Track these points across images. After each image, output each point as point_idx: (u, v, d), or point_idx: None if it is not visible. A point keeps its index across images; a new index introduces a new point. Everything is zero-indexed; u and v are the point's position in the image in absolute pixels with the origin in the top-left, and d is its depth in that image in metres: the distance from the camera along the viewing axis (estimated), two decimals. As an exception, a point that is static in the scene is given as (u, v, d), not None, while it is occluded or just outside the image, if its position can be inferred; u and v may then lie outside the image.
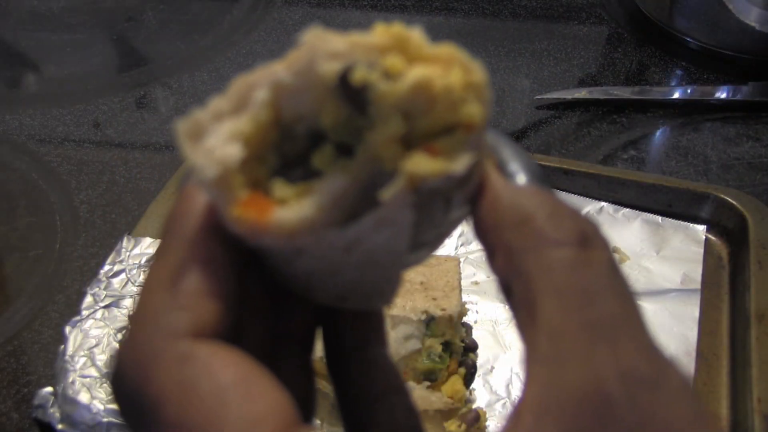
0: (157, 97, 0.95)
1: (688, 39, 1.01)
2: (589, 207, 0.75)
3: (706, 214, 0.75)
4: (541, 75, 0.98)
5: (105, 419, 0.54)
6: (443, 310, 0.57)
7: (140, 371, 0.21)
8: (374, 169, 0.22)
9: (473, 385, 0.61)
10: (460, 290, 0.60)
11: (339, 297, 0.27)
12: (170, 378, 0.21)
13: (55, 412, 0.56)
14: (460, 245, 0.73)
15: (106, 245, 0.71)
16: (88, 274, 0.68)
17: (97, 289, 0.63)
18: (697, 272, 0.70)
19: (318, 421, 0.58)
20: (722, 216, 0.74)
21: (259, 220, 0.22)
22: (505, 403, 0.60)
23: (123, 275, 0.65)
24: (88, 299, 0.63)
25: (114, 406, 0.55)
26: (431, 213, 0.24)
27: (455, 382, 0.57)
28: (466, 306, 0.63)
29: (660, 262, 0.71)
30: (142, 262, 0.66)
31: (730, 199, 0.74)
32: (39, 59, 1.05)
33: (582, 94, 0.92)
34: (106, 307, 0.62)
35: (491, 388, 0.61)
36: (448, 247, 0.73)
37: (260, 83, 0.23)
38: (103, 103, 0.93)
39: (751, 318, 0.64)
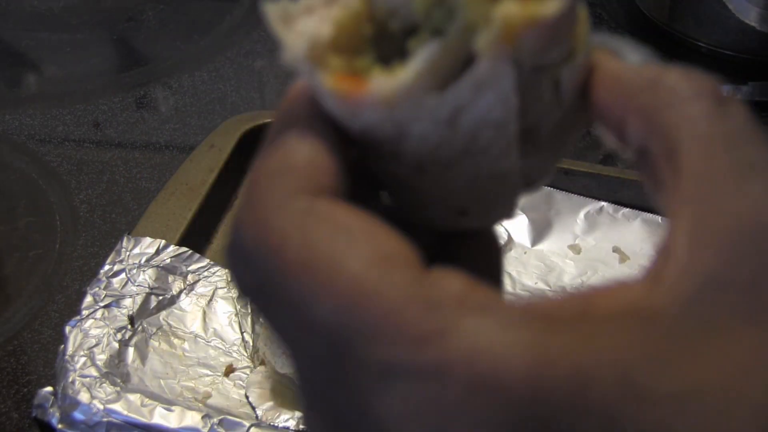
0: (157, 97, 0.95)
1: (688, 39, 1.01)
2: (589, 207, 0.75)
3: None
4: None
5: (105, 419, 0.54)
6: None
7: (260, 227, 0.20)
8: (468, 41, 0.21)
9: (473, 385, 0.61)
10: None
11: (458, 210, 0.26)
12: (293, 224, 0.20)
13: (55, 412, 0.56)
14: (460, 245, 0.73)
15: (106, 245, 0.71)
16: (88, 274, 0.68)
17: (97, 289, 0.63)
18: (697, 272, 0.70)
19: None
20: (722, 216, 0.74)
21: (356, 89, 0.21)
22: (505, 402, 0.60)
23: (123, 275, 0.65)
24: (88, 299, 0.63)
25: (112, 407, 0.55)
26: (538, 97, 0.23)
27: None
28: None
29: (660, 262, 0.71)
30: (142, 261, 0.66)
31: (730, 199, 0.74)
32: (39, 59, 1.05)
33: (582, 94, 0.92)
34: (106, 307, 0.62)
35: (491, 387, 0.61)
36: (448, 247, 0.73)
37: None
38: (103, 103, 0.93)
39: (751, 318, 0.64)
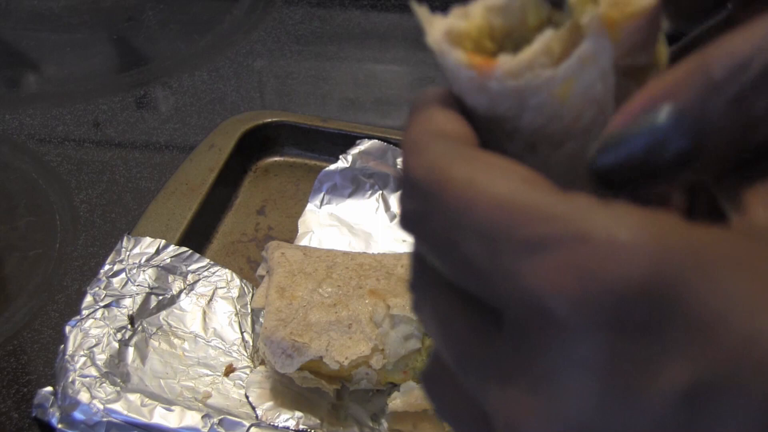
0: (157, 97, 0.96)
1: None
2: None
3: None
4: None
5: (105, 419, 0.54)
6: (443, 309, 0.57)
7: (428, 166, 0.24)
8: (576, 34, 0.25)
9: (473, 385, 0.61)
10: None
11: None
12: (455, 161, 0.24)
13: (54, 412, 0.56)
14: (460, 245, 0.73)
15: (106, 245, 0.71)
16: (88, 274, 0.68)
17: (97, 288, 0.64)
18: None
19: (318, 421, 0.58)
20: (722, 216, 0.74)
21: (486, 64, 0.26)
22: (505, 402, 0.60)
23: (123, 275, 0.65)
24: (88, 299, 0.63)
25: (112, 407, 0.55)
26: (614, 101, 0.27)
27: (455, 382, 0.57)
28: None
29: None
30: (142, 261, 0.66)
31: (730, 199, 0.74)
32: (39, 59, 1.05)
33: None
34: (106, 306, 0.62)
35: (491, 387, 0.61)
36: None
37: (475, 6, 0.28)
38: (103, 103, 0.93)
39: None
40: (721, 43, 0.24)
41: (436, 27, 0.27)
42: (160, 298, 0.64)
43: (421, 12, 0.27)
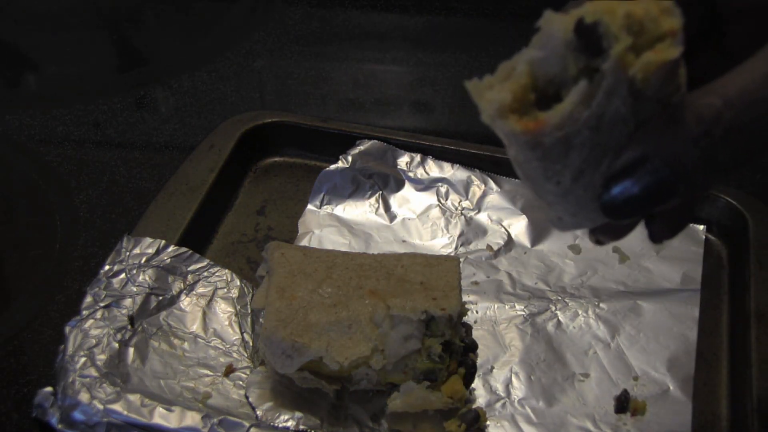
0: (157, 97, 0.95)
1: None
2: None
3: (705, 214, 0.75)
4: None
5: (105, 419, 0.54)
6: (443, 309, 0.57)
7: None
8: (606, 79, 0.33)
9: (473, 385, 0.61)
10: (460, 290, 0.60)
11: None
12: None
13: (55, 412, 0.56)
14: (460, 245, 0.73)
15: (106, 245, 0.71)
16: (88, 274, 0.68)
17: (97, 289, 0.64)
18: (697, 272, 0.70)
19: (318, 421, 0.58)
20: (722, 216, 0.74)
21: (535, 124, 0.33)
22: (504, 403, 0.60)
23: (123, 275, 0.65)
24: (88, 299, 0.63)
25: (112, 407, 0.55)
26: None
27: (455, 382, 0.57)
28: (466, 306, 0.63)
29: (660, 262, 0.71)
30: (142, 262, 0.66)
31: (729, 199, 0.74)
32: (39, 59, 1.05)
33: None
34: (106, 307, 0.62)
35: (491, 388, 0.61)
36: (448, 248, 0.73)
37: (520, 61, 0.35)
38: (103, 103, 0.93)
39: (750, 318, 0.64)
40: (696, 99, 0.32)
41: (488, 104, 0.34)
42: (160, 298, 0.64)
43: (473, 88, 0.35)
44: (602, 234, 0.41)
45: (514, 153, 0.35)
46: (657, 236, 0.41)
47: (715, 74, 0.36)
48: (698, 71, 0.38)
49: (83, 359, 0.58)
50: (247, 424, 0.55)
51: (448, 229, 0.75)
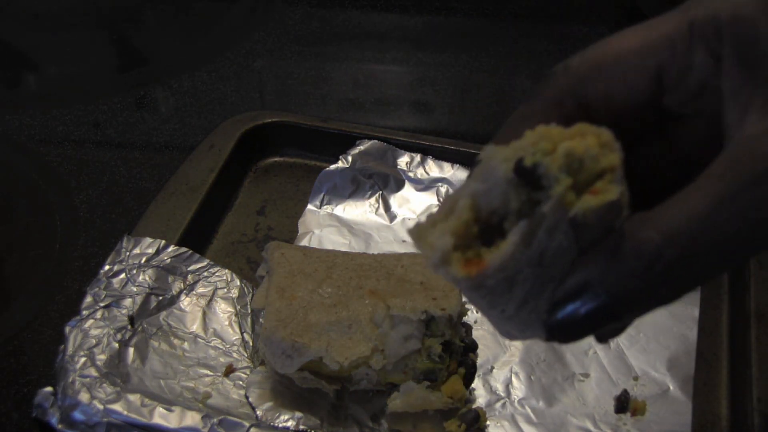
0: (157, 97, 0.95)
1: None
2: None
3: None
4: (541, 75, 0.98)
5: (105, 419, 0.54)
6: (443, 310, 0.57)
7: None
8: (542, 217, 0.32)
9: (473, 385, 0.61)
10: (460, 290, 0.60)
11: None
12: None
13: (55, 412, 0.56)
14: (460, 245, 0.73)
15: (106, 245, 0.71)
16: (88, 274, 0.68)
17: (97, 289, 0.64)
18: (697, 272, 0.70)
19: (318, 421, 0.58)
20: (722, 216, 0.74)
21: (478, 269, 0.33)
22: (504, 403, 0.60)
23: (123, 275, 0.65)
24: (88, 299, 0.63)
25: (112, 407, 0.55)
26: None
27: (455, 382, 0.57)
28: (466, 306, 0.63)
29: (660, 262, 0.71)
30: (142, 262, 0.66)
31: (730, 199, 0.74)
32: (39, 59, 1.05)
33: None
34: (106, 307, 0.62)
35: (491, 388, 0.61)
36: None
37: (462, 195, 0.34)
38: (103, 103, 0.93)
39: (750, 318, 0.64)
40: (635, 230, 0.32)
41: (431, 252, 0.34)
42: (160, 298, 0.64)
43: (414, 234, 0.35)
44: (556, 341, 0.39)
45: (460, 290, 0.35)
46: (603, 338, 0.41)
47: (666, 167, 0.39)
48: (650, 161, 0.39)
49: (83, 359, 0.58)
50: (247, 424, 0.55)
51: (448, 229, 0.75)
